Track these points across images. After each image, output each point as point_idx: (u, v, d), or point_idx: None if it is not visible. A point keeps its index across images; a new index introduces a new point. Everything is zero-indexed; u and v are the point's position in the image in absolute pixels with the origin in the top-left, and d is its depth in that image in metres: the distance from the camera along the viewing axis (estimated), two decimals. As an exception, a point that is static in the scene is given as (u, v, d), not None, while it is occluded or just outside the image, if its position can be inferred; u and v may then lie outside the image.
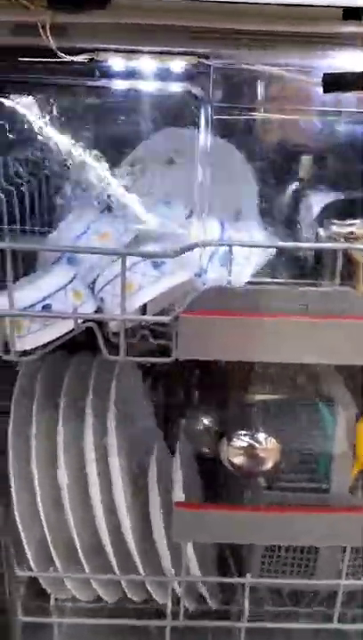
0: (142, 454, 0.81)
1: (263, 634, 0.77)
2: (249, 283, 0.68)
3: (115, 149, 0.75)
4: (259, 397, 0.81)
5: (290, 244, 0.71)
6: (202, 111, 0.56)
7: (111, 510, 0.72)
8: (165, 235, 0.74)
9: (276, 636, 0.78)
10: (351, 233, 0.64)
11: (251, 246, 0.65)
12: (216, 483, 0.86)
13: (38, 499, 0.71)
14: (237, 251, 0.62)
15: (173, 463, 0.79)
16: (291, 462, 0.73)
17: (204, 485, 0.88)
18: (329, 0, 0.47)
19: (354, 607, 0.80)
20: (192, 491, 0.83)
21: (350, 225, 0.65)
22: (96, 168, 0.76)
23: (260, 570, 0.77)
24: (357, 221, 0.65)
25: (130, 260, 0.59)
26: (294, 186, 0.86)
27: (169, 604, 0.73)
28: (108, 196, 0.79)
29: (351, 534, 0.70)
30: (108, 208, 0.78)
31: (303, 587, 0.78)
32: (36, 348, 0.63)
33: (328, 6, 0.49)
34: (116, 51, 0.52)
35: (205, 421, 0.89)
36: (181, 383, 0.96)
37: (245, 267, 0.67)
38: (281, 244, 0.70)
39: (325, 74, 0.51)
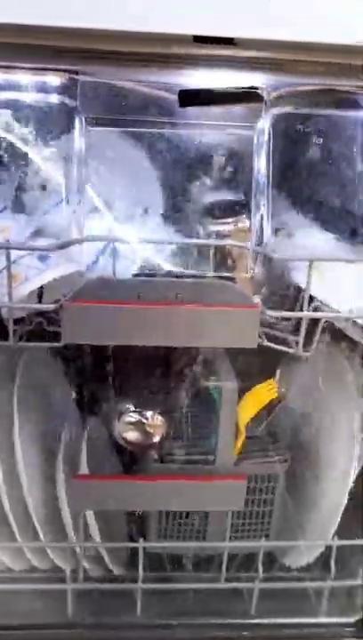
0: (56, 435, 0.87)
1: (160, 595, 0.85)
2: (136, 275, 0.75)
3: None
4: (156, 380, 0.89)
5: (171, 240, 0.78)
6: (76, 120, 0.62)
7: (16, 481, 0.78)
8: (66, 229, 0.80)
9: (173, 597, 0.86)
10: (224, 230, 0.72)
11: (132, 242, 0.72)
12: (122, 459, 0.93)
13: None
14: (123, 246, 0.69)
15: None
16: (180, 437, 0.81)
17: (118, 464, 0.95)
18: (179, 28, 0.54)
19: (250, 570, 0.88)
20: (105, 468, 0.90)
21: (224, 224, 0.72)
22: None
23: (157, 535, 0.85)
24: (229, 220, 0.72)
25: (16, 254, 0.65)
26: (196, 186, 0.93)
27: (68, 568, 0.80)
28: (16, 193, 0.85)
29: (232, 500, 0.78)
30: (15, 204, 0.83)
31: (193, 550, 0.86)
32: None
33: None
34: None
35: (119, 405, 0.96)
36: (96, 370, 1.02)
37: (132, 260, 0.74)
38: (161, 239, 0.77)
39: (180, 90, 0.58)
